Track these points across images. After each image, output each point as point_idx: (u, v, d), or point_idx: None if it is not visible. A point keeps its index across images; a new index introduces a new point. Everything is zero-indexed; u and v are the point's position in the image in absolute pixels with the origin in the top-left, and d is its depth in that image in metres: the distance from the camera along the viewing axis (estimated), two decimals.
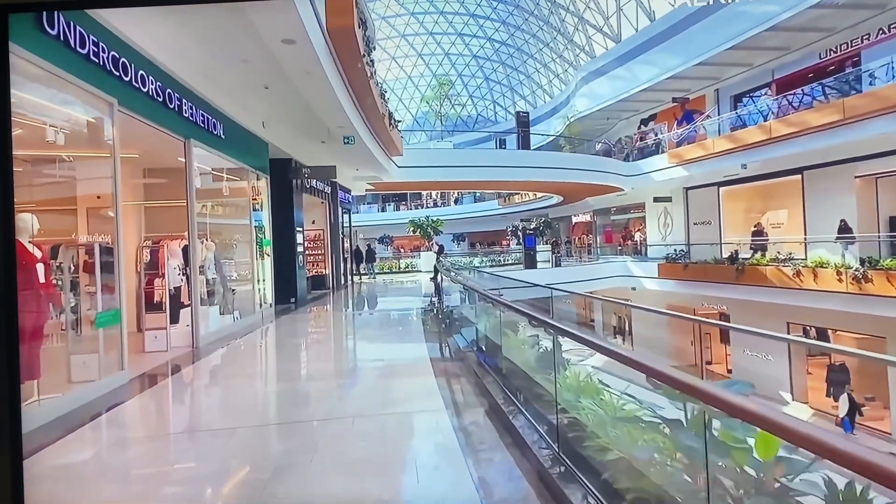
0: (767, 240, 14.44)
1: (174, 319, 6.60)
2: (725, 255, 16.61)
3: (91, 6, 3.95)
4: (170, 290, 6.55)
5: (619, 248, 24.03)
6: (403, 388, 4.38)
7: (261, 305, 8.89)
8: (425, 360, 5.28)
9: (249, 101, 7.91)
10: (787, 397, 15.07)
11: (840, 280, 11.49)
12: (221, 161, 7.69)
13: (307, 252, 13.88)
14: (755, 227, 15.04)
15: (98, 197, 8.24)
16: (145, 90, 5.18)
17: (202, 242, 7.86)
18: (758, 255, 13.96)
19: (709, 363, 19.12)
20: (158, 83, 5.43)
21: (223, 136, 7.32)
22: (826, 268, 11.85)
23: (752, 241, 14.75)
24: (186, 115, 6.12)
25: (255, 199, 9.05)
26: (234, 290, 8.07)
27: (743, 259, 14.89)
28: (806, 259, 13.35)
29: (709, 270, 16.14)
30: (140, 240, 8.30)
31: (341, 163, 12.61)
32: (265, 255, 9.28)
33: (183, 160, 6.29)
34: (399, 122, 15.48)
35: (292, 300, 10.94)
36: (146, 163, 7.97)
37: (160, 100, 5.50)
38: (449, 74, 44.89)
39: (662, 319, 18.85)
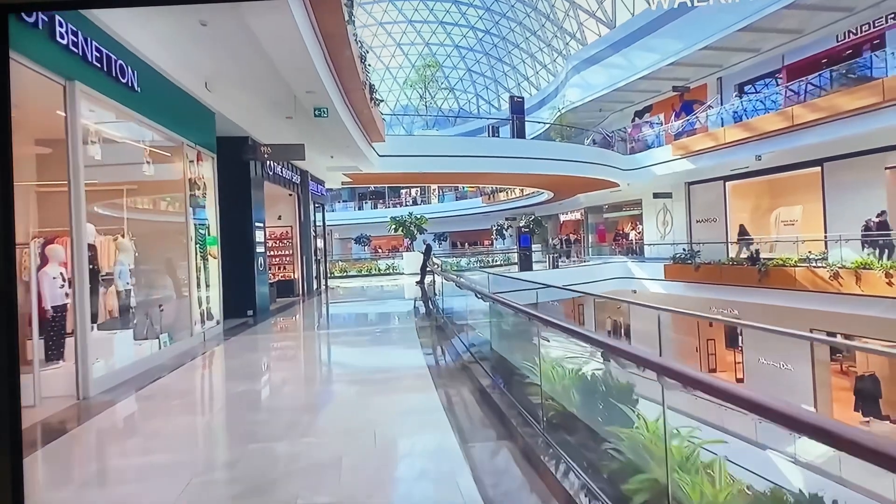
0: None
1: (56, 354, 4.42)
2: (735, 254, 15.28)
3: (91, 6, 3.82)
4: (48, 311, 4.36)
5: (614, 247, 22.64)
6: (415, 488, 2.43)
7: (202, 323, 6.68)
8: (443, 422, 3.33)
9: (181, 46, 5.73)
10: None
11: (890, 283, 10.09)
12: (138, 126, 5.52)
13: (271, 253, 11.68)
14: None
15: None
16: None
17: (114, 240, 5.69)
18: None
19: (713, 371, 17.85)
20: None
21: (138, 89, 5.14)
22: (871, 269, 10.42)
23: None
24: (64, 43, 3.95)
25: (196, 184, 6.88)
26: (161, 306, 5.89)
27: (765, 259, 13.48)
28: (840, 259, 11.88)
29: (724, 272, 14.70)
30: (28, 235, 6.06)
31: (313, 148, 10.47)
32: (210, 257, 7.10)
33: (63, 114, 4.11)
34: (381, 101, 13.40)
35: (250, 313, 8.78)
36: (36, 129, 5.70)
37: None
38: (429, 65, 42.73)
39: (663, 320, 17.41)
